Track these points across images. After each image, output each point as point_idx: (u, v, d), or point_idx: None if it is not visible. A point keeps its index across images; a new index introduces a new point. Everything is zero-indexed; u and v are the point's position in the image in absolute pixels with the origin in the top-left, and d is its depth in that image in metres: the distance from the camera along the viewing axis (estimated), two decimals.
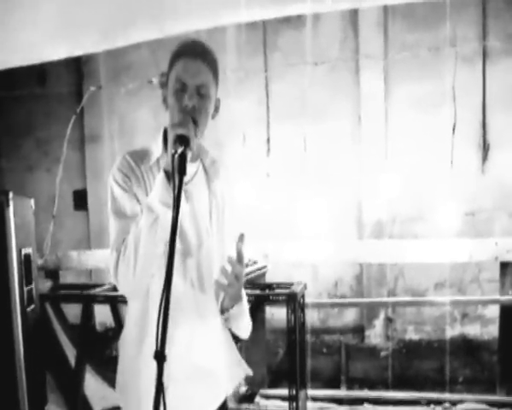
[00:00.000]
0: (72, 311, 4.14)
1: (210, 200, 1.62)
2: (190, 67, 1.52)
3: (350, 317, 5.43)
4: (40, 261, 4.11)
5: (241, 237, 1.44)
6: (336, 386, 4.54)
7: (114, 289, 3.55)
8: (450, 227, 4.57)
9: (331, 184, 5.04)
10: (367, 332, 5.32)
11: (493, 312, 4.97)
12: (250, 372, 1.69)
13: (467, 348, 4.94)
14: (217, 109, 1.62)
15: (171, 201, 1.37)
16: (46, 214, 4.39)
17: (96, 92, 4.68)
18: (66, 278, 5.02)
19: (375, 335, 5.28)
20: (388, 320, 5.29)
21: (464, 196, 4.76)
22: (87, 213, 5.72)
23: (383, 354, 5.09)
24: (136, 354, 1.55)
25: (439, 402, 3.96)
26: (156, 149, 1.58)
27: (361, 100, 4.91)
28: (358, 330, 5.39)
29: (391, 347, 5.11)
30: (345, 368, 4.89)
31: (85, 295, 3.40)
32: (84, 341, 3.41)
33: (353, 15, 4.80)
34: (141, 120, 5.27)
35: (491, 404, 3.86)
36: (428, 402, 3.98)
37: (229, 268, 1.44)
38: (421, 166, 4.84)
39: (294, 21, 4.72)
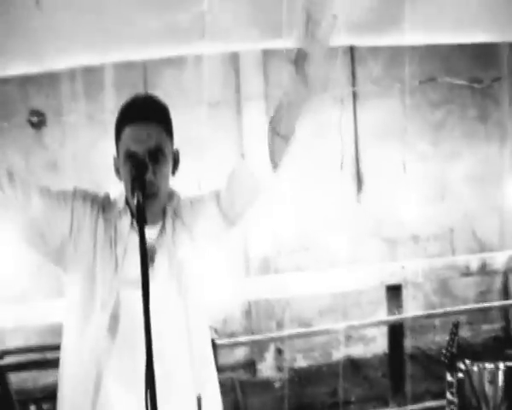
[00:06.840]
0: None
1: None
2: (138, 134, 1.38)
3: (240, 352, 5.42)
4: None
5: None
6: None
7: None
8: (334, 256, 4.86)
9: None
10: (258, 366, 5.36)
11: (373, 331, 5.37)
12: None
13: (353, 367, 5.25)
14: (176, 163, 1.52)
15: None
16: None
17: None
18: None
19: (267, 367, 5.35)
20: (278, 351, 5.40)
21: (343, 226, 5.11)
22: None
23: (277, 385, 5.17)
24: None
25: None
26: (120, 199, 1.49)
27: (243, 138, 5.03)
28: (250, 364, 5.41)
29: (283, 377, 5.21)
30: (242, 405, 4.86)
31: None
32: None
33: (234, 57, 4.94)
34: (10, 163, 4.74)
35: None
36: None
37: None
38: (305, 199, 5.08)
39: (175, 62, 4.69)
